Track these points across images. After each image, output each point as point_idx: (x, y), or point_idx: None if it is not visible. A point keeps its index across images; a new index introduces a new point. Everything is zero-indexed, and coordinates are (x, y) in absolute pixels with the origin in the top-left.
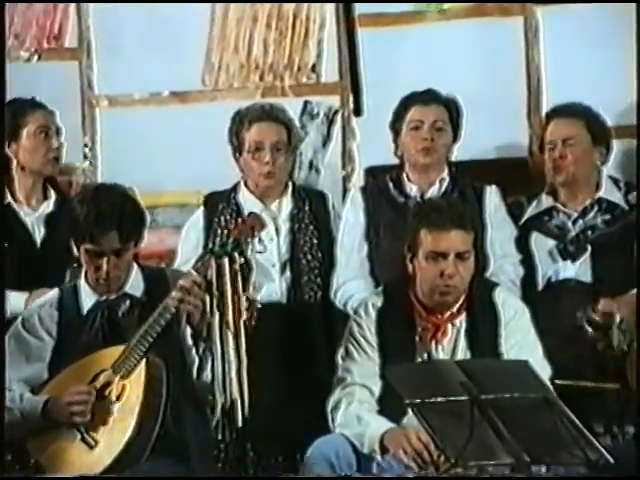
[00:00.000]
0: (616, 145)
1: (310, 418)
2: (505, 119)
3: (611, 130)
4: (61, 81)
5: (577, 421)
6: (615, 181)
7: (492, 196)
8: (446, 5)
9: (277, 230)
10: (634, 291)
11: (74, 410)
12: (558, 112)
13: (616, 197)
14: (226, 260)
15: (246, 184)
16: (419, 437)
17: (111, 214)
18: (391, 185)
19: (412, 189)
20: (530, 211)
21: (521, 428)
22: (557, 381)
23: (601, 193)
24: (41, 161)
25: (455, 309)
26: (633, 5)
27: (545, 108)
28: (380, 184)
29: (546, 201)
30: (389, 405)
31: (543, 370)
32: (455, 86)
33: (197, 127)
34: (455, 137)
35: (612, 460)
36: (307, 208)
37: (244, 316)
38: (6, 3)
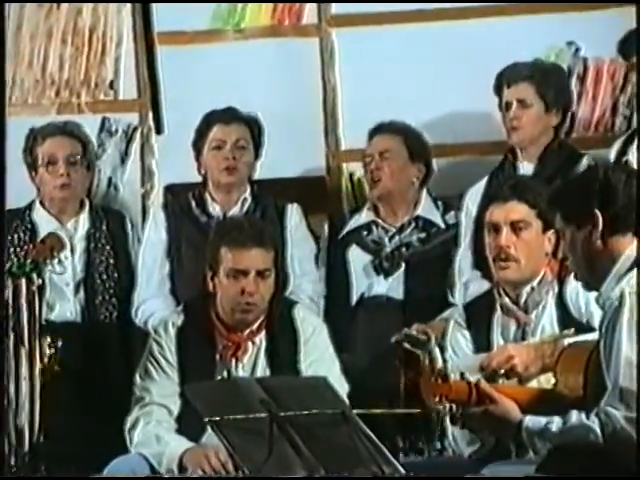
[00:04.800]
0: None
1: (108, 438)
2: (303, 138)
3: (430, 149)
4: None
5: (373, 436)
6: (434, 200)
7: (293, 214)
8: (243, 24)
9: (72, 249)
10: (442, 315)
11: None
12: (380, 129)
13: (434, 216)
14: (23, 281)
15: (42, 203)
16: (218, 456)
17: None
18: (194, 204)
19: (215, 208)
20: (351, 224)
21: (319, 444)
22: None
23: (419, 211)
24: None
25: (255, 327)
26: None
27: (341, 128)
28: (182, 202)
29: (367, 215)
30: (188, 423)
31: (341, 386)
32: (254, 105)
33: None
34: (257, 155)
35: (404, 472)
36: (104, 227)
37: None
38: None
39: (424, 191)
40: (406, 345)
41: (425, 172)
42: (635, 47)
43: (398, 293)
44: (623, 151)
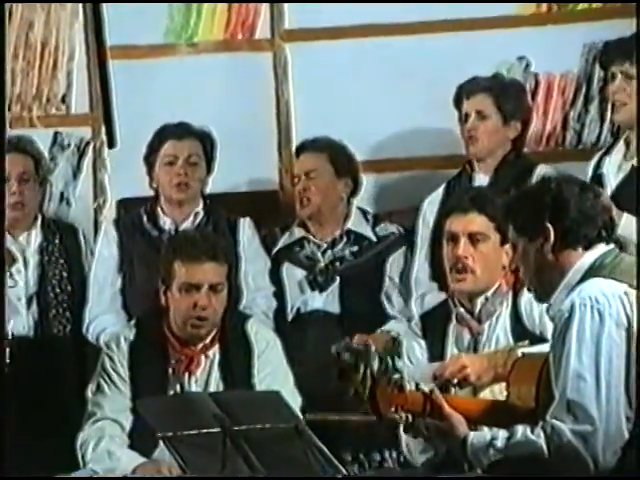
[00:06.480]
0: (366, 178)
1: (59, 454)
2: (256, 153)
3: (357, 162)
4: None
5: (325, 449)
6: (364, 213)
7: (245, 228)
8: (196, 39)
9: (25, 263)
10: (384, 327)
11: None
12: (304, 147)
13: (364, 229)
14: None
15: None
16: (170, 471)
17: None
18: (145, 218)
19: (166, 222)
20: (283, 242)
21: (272, 458)
22: (307, 415)
23: (349, 225)
24: None
25: (208, 341)
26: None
27: (295, 142)
28: (134, 217)
29: (298, 232)
30: (140, 439)
31: (294, 400)
32: (207, 120)
33: None
34: (209, 170)
35: None
36: (57, 241)
37: None
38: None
39: (353, 205)
40: (345, 356)
41: (353, 186)
42: (613, 57)
43: (334, 307)
44: (598, 165)
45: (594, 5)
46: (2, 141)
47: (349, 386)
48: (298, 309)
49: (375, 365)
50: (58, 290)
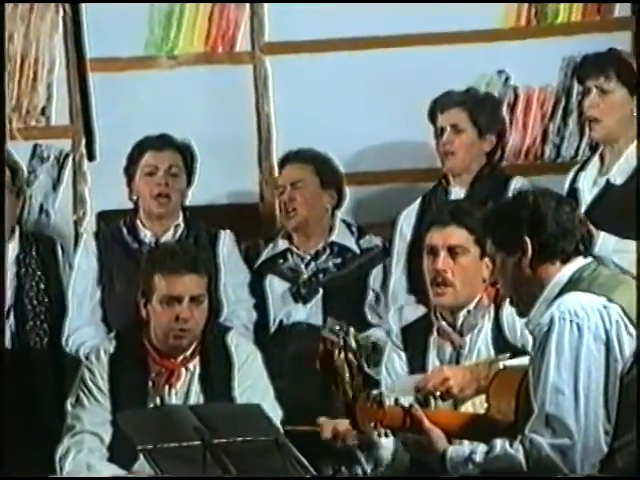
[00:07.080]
0: (349, 191)
1: (39, 467)
2: (236, 165)
3: (341, 175)
4: None
5: (306, 462)
6: (348, 225)
7: (226, 241)
8: (176, 51)
9: (2, 275)
10: (364, 334)
11: None
12: (289, 158)
13: (348, 241)
14: None
15: None
16: None
17: None
18: (125, 230)
19: (146, 235)
20: (266, 253)
21: (252, 471)
22: (287, 427)
23: (334, 237)
24: None
25: (189, 353)
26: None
27: (275, 155)
28: (113, 229)
29: (282, 244)
30: (120, 451)
31: (274, 413)
32: (188, 132)
33: None
34: (189, 182)
35: None
36: (34, 253)
37: None
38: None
39: (338, 217)
40: (327, 335)
41: (337, 198)
42: (589, 72)
43: (317, 319)
44: (574, 179)
45: (573, 19)
46: (2, 148)
47: (329, 376)
48: (281, 321)
49: (353, 345)
50: (35, 302)
